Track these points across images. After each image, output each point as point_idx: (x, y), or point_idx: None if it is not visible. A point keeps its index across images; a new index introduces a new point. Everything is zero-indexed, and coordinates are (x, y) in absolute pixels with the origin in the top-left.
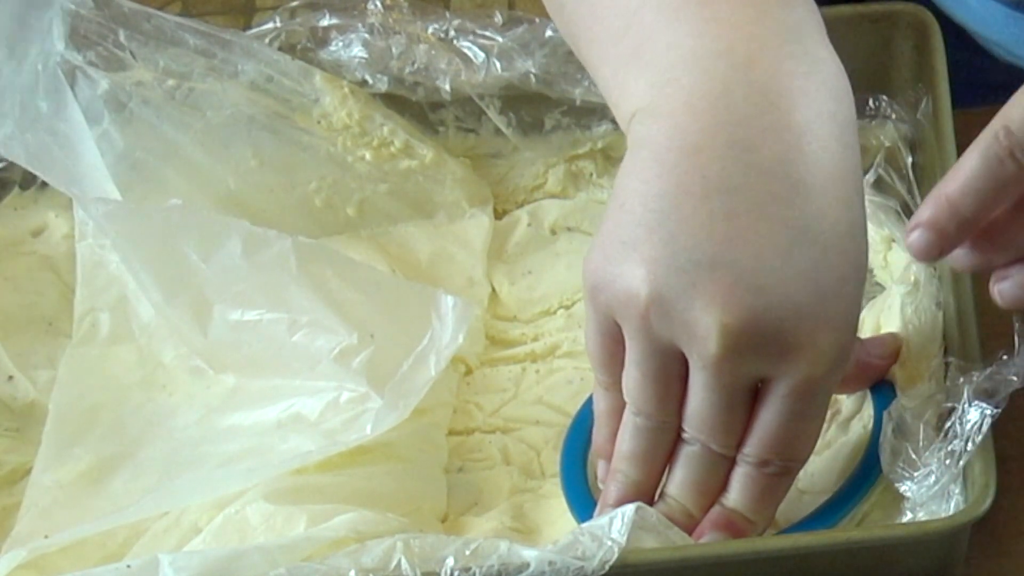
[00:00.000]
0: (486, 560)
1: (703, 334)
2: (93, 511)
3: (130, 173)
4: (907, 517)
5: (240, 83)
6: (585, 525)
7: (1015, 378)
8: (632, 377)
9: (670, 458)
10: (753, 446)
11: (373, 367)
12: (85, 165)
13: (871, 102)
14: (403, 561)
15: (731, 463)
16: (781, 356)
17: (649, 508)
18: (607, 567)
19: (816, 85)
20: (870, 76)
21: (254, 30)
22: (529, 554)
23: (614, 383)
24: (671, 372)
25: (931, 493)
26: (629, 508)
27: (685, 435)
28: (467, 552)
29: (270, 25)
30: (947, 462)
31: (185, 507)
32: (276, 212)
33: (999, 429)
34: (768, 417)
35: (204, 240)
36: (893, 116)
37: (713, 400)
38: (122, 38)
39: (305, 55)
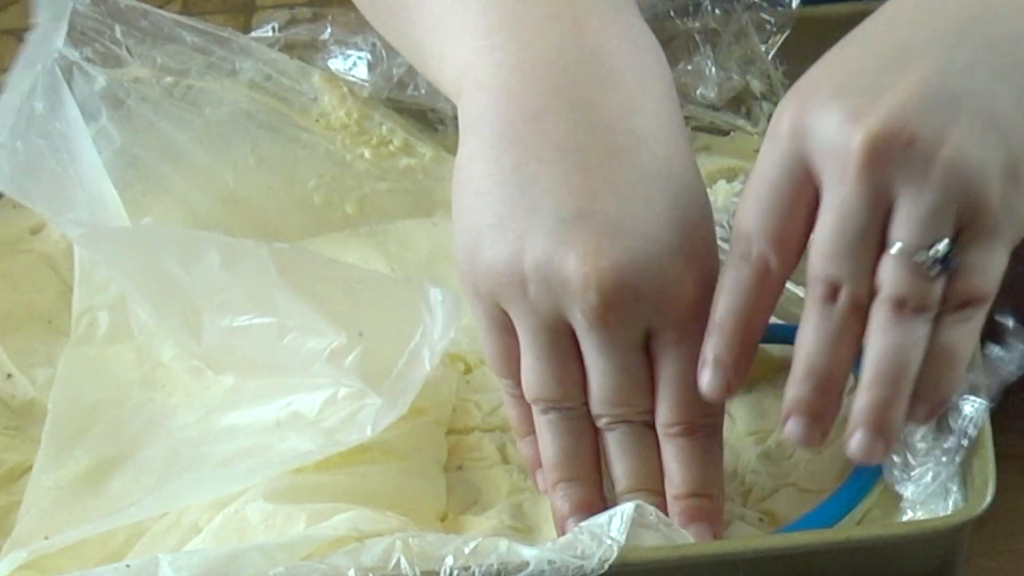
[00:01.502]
0: (485, 559)
1: (582, 287)
2: (93, 511)
3: (128, 170)
4: (907, 516)
5: (239, 81)
6: (584, 524)
7: (1007, 372)
8: (529, 366)
9: (596, 457)
10: (669, 411)
11: (365, 364)
12: (79, 166)
13: None
14: (402, 560)
15: (654, 431)
16: (660, 296)
17: (648, 505)
18: (606, 566)
19: (641, 48)
20: None
21: (252, 35)
22: (528, 553)
23: (516, 384)
24: (564, 349)
25: (929, 492)
26: (628, 506)
27: (602, 422)
28: (466, 551)
29: (267, 32)
30: (943, 459)
31: (185, 507)
32: (275, 210)
33: (998, 427)
34: (669, 373)
35: (183, 255)
36: None
37: (610, 363)
38: (119, 34)
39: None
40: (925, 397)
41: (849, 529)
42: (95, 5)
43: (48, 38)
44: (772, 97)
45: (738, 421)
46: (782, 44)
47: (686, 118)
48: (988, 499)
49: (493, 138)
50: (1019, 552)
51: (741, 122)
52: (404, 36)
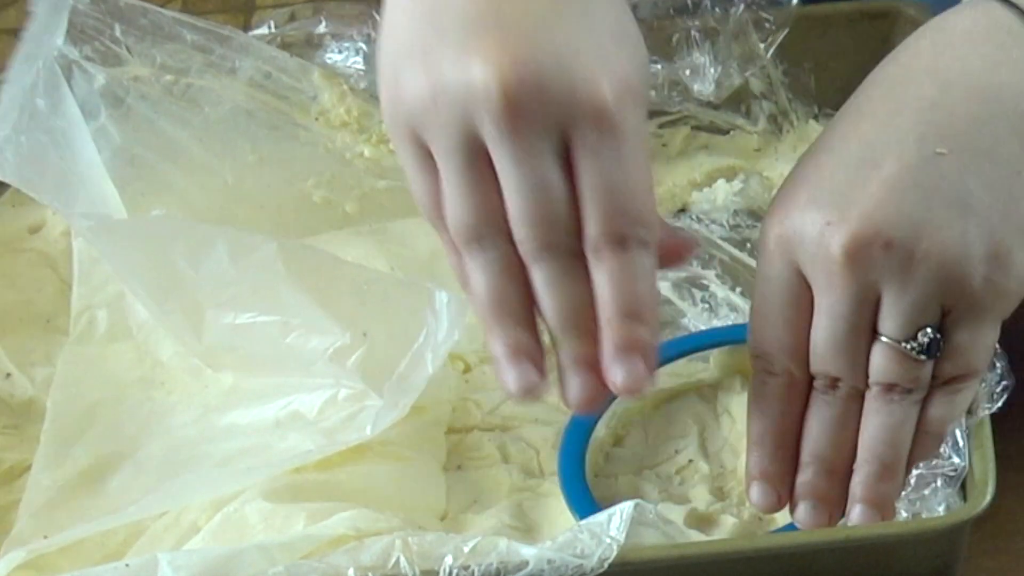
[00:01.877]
0: (485, 558)
1: (486, 90)
2: (92, 510)
3: (127, 168)
4: (907, 515)
5: (238, 79)
6: (584, 522)
7: (1007, 378)
8: (448, 196)
9: (529, 296)
10: (595, 223)
11: (368, 365)
12: (80, 164)
13: None
14: (401, 559)
15: (584, 263)
16: (570, 94)
17: (647, 504)
18: (606, 565)
19: None
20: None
21: (251, 33)
22: (528, 552)
23: (442, 222)
24: (480, 171)
25: (930, 491)
26: (628, 505)
27: (526, 251)
28: (466, 550)
29: (265, 31)
30: (943, 460)
31: (184, 506)
32: (274, 208)
33: (998, 428)
34: (590, 181)
35: (191, 248)
36: None
37: (525, 177)
38: (118, 33)
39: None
40: (911, 460)
41: (848, 528)
42: (95, 4)
43: (48, 31)
44: (771, 96)
45: (738, 421)
46: (781, 43)
47: (685, 117)
48: (988, 499)
49: None
50: (1019, 552)
51: (740, 121)
52: None
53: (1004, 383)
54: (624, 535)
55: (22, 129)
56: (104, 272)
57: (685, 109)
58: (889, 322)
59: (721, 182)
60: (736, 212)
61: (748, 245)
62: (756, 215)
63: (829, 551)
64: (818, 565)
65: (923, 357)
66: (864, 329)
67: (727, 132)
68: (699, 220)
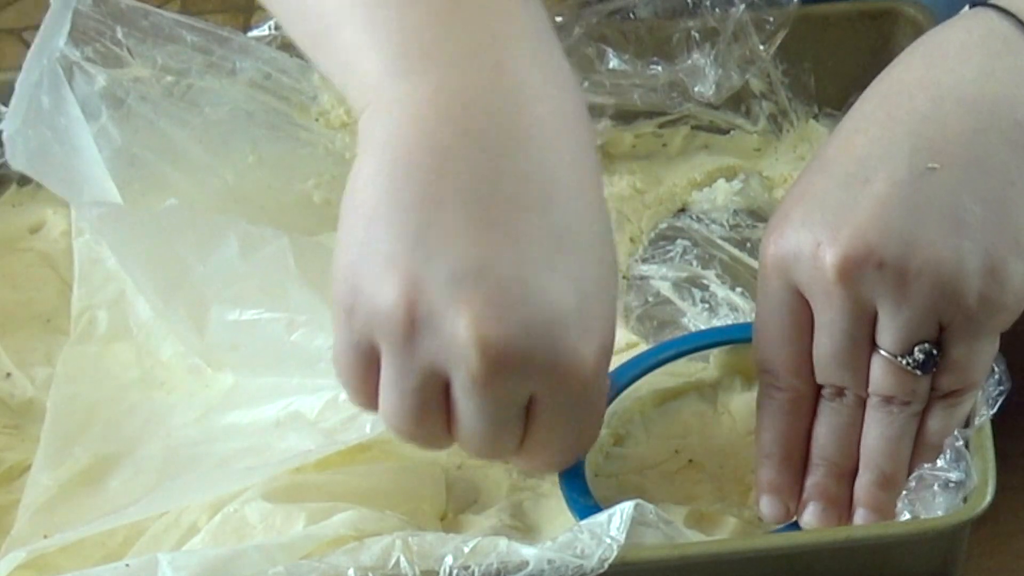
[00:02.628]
0: (485, 558)
1: (468, 351)
2: (92, 510)
3: (128, 169)
4: (906, 516)
5: (238, 80)
6: (584, 523)
7: (1005, 383)
8: (389, 400)
9: None
10: (527, 459)
11: None
12: (83, 161)
13: None
14: (402, 559)
15: None
16: (549, 368)
17: (647, 504)
18: (606, 565)
19: (560, 89)
20: (870, 73)
21: (250, 34)
22: (528, 552)
23: (369, 404)
24: (433, 396)
25: (929, 492)
26: (628, 505)
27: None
28: (466, 550)
29: (265, 31)
30: (943, 459)
31: (184, 506)
32: (275, 209)
33: (998, 428)
34: (542, 431)
35: (200, 240)
36: None
37: (483, 423)
38: (119, 35)
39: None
40: (911, 467)
41: (849, 528)
42: (96, 5)
43: (56, 26)
44: (771, 96)
45: (738, 420)
46: (781, 43)
47: (685, 117)
48: (988, 499)
49: (396, 168)
50: (1019, 552)
51: (740, 121)
52: (304, 20)
53: (1002, 387)
54: (624, 535)
55: (30, 123)
56: (105, 272)
57: (685, 109)
58: (886, 337)
59: (721, 182)
60: (736, 212)
61: (748, 245)
62: (756, 215)
63: (829, 551)
64: (819, 565)
65: (919, 372)
66: (864, 342)
67: (727, 132)
68: (699, 220)
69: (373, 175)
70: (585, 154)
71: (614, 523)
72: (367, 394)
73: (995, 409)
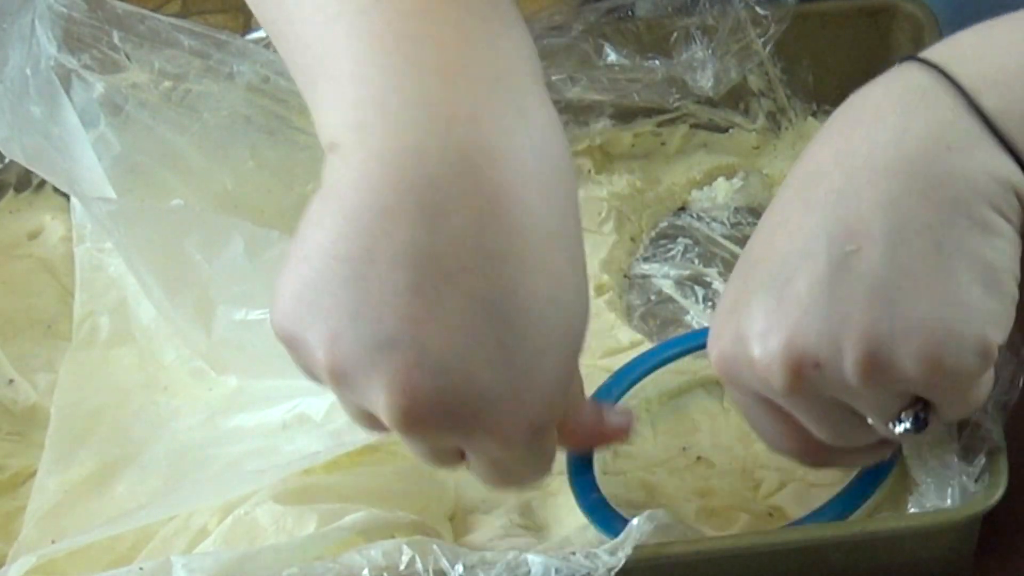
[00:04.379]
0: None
1: (383, 412)
2: (98, 515)
3: (127, 176)
4: (918, 509)
5: (237, 84)
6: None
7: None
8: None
9: None
10: (474, 473)
11: None
12: (82, 169)
13: None
14: (416, 559)
15: None
16: (466, 434)
17: (657, 512)
18: (612, 574)
19: (521, 143)
20: (868, 70)
21: (248, 37)
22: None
23: None
24: (372, 417)
25: (940, 481)
26: (640, 522)
27: None
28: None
29: (263, 33)
30: (956, 448)
31: (194, 510)
32: (274, 213)
33: (1011, 422)
34: (476, 470)
35: (207, 240)
36: None
37: (415, 452)
38: (116, 40)
39: None
40: None
41: (864, 521)
42: (92, 11)
43: (7, 34)
44: (770, 93)
45: None
46: (780, 40)
47: (684, 115)
48: (1001, 491)
49: (338, 216)
50: (1020, 550)
51: (739, 119)
52: (297, 79)
53: (1007, 397)
54: (632, 548)
55: (22, 131)
56: (106, 278)
57: (683, 107)
58: (867, 415)
59: (721, 180)
60: (737, 210)
61: None
62: (757, 212)
63: (844, 545)
64: (832, 559)
65: (915, 433)
66: (850, 418)
67: (726, 130)
68: (699, 218)
69: (316, 220)
70: (543, 212)
71: (628, 541)
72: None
73: (1016, 395)
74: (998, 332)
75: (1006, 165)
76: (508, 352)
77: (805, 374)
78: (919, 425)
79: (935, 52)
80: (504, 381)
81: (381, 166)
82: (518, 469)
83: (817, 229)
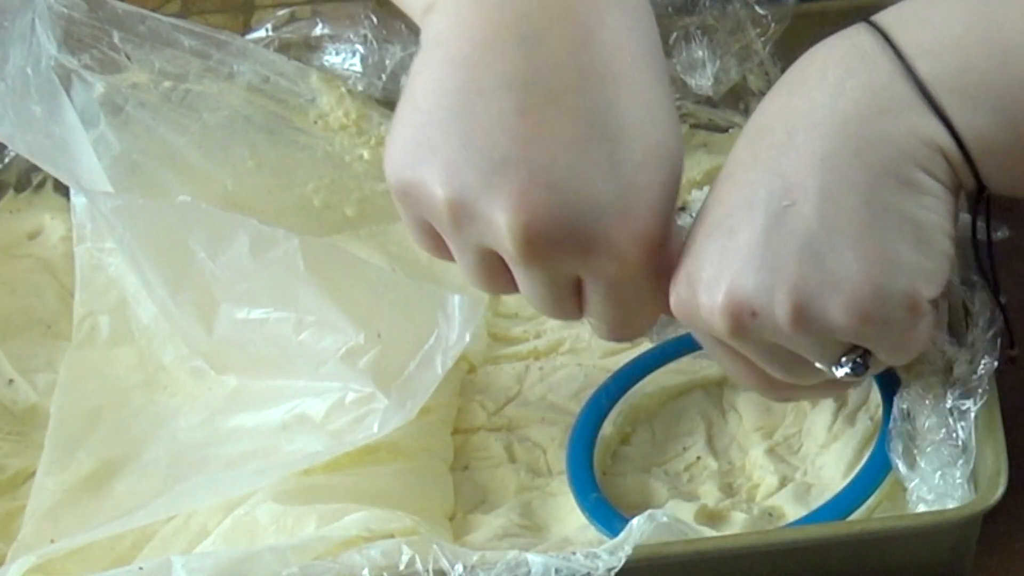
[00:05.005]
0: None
1: (502, 233)
2: (98, 514)
3: (128, 176)
4: (918, 509)
5: (236, 84)
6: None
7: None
8: (461, 266)
9: None
10: (590, 315)
11: (379, 367)
12: (82, 168)
13: None
14: (416, 559)
15: None
16: (583, 252)
17: (657, 512)
18: (612, 574)
19: None
20: None
21: (248, 37)
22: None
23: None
24: (492, 264)
25: (939, 481)
26: (640, 522)
27: None
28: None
29: (263, 33)
30: (952, 453)
31: (193, 510)
32: (274, 213)
33: (1010, 423)
34: (594, 306)
35: (212, 237)
36: None
37: (536, 294)
38: (116, 40)
39: (299, 61)
40: None
41: (864, 521)
42: (93, 11)
43: (7, 32)
44: None
45: (744, 417)
46: (779, 39)
47: (684, 116)
48: (1001, 490)
49: (442, 59)
50: (1019, 551)
51: (739, 119)
52: None
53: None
54: (632, 548)
55: (23, 129)
56: (106, 278)
57: (683, 107)
58: (810, 360)
59: None
60: None
61: None
62: None
63: (843, 544)
64: (831, 559)
65: (856, 377)
66: (797, 357)
67: (726, 130)
68: None
69: (421, 68)
70: (632, 36)
71: (628, 543)
72: (443, 253)
73: (996, 360)
74: (928, 287)
75: (936, 129)
76: (614, 164)
77: (744, 322)
78: (859, 370)
79: (884, 16)
80: (613, 192)
81: (476, 6)
82: (634, 299)
83: (758, 183)
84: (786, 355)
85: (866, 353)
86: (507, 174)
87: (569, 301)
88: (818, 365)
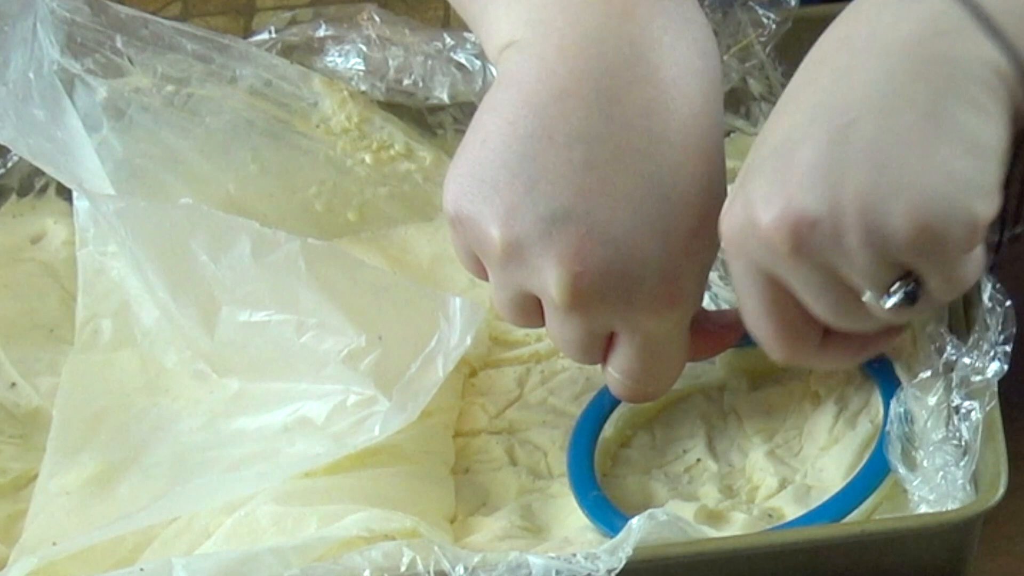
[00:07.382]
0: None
1: (550, 283)
2: (100, 517)
3: (130, 180)
4: (918, 510)
5: (239, 88)
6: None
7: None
8: (496, 299)
9: None
10: (615, 369)
11: (381, 369)
12: (85, 172)
13: None
14: (417, 560)
15: None
16: (626, 308)
17: (658, 511)
18: (613, 575)
19: (687, 42)
20: None
21: (251, 39)
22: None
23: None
24: (528, 304)
25: (939, 483)
26: (640, 520)
27: None
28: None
29: (265, 36)
30: (953, 454)
31: (195, 512)
32: (276, 217)
33: (1010, 425)
34: (622, 358)
35: (214, 240)
36: None
37: (566, 336)
38: (119, 44)
39: (302, 64)
40: None
41: (864, 522)
42: (96, 15)
43: (8, 36)
44: (771, 98)
45: (744, 420)
46: (780, 44)
47: None
48: (1001, 491)
49: (517, 100)
50: (1019, 554)
51: (740, 123)
52: (465, 8)
53: (1004, 334)
54: (632, 548)
55: (26, 133)
56: (108, 282)
57: None
58: (859, 286)
59: None
60: None
61: None
62: None
63: (843, 546)
64: (831, 560)
65: (908, 307)
66: (847, 294)
67: (727, 134)
68: None
69: (494, 106)
70: (702, 105)
71: (628, 543)
72: (485, 278)
73: (1006, 365)
74: (985, 206)
75: (993, 52)
76: (668, 228)
77: (803, 234)
78: (910, 298)
79: None
80: (664, 255)
81: (560, 53)
82: (664, 354)
83: (819, 105)
84: (835, 287)
85: (918, 283)
86: (566, 227)
87: (597, 349)
88: (867, 296)
